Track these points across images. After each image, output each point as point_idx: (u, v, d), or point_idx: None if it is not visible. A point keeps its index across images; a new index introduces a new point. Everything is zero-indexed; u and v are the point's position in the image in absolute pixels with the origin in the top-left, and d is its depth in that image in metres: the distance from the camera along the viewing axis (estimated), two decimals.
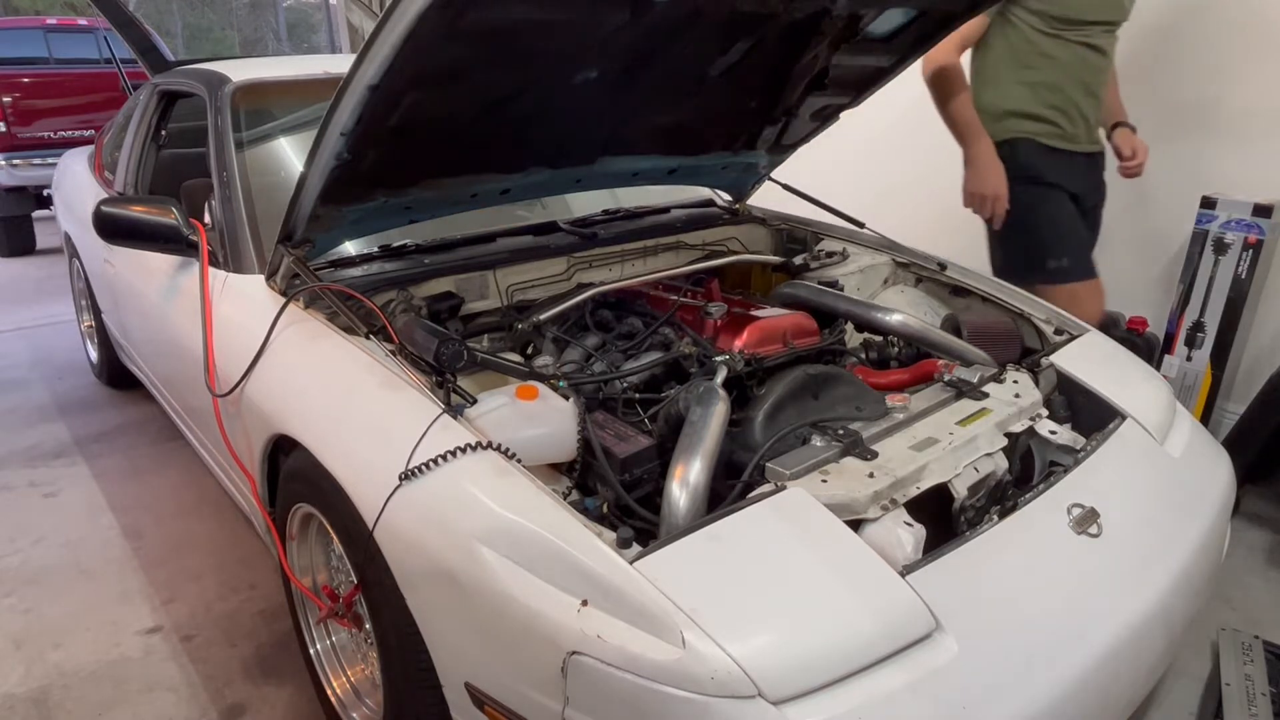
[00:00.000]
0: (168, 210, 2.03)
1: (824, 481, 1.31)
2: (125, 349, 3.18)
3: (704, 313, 1.90)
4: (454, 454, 1.27)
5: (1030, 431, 1.61)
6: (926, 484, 1.37)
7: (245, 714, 1.90)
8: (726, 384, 1.57)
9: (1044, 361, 1.78)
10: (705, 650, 1.01)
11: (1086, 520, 1.37)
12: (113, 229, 2.01)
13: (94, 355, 3.86)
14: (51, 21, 7.07)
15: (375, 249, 2.02)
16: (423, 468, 1.28)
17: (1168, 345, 2.81)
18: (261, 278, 1.91)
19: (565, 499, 1.28)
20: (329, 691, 1.78)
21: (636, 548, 1.14)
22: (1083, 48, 2.31)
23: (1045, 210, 2.40)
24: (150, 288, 2.42)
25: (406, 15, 1.25)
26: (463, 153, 1.77)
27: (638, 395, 1.66)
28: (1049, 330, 1.96)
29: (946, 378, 1.67)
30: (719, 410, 1.43)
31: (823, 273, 2.26)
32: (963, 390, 1.62)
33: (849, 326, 1.98)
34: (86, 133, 6.31)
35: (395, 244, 2.03)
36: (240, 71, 2.46)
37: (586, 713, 1.08)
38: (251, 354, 1.73)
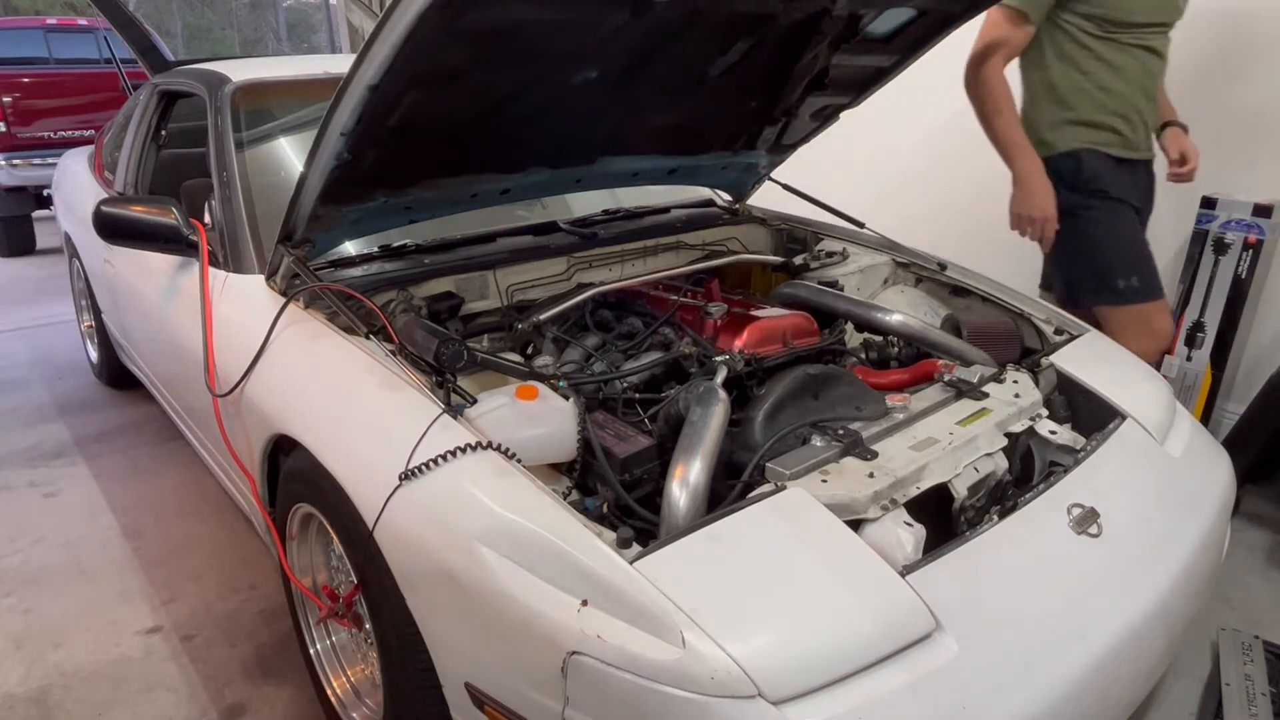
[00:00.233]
0: (168, 210, 2.03)
1: (824, 481, 1.31)
2: (125, 349, 3.18)
3: (704, 313, 1.90)
4: (454, 454, 1.27)
5: (1030, 431, 1.61)
6: (926, 484, 1.38)
7: (245, 714, 1.90)
8: (726, 384, 1.57)
9: (1044, 361, 1.78)
10: (705, 650, 1.01)
11: (1086, 520, 1.37)
12: (113, 229, 2.01)
13: (94, 355, 3.86)
14: (51, 21, 7.06)
15: (375, 249, 2.02)
16: (423, 468, 1.27)
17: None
18: (261, 278, 1.91)
19: (565, 499, 1.28)
20: (329, 691, 1.78)
21: (636, 548, 1.14)
22: (1140, 50, 2.19)
23: (1113, 226, 2.25)
24: (150, 288, 2.42)
25: (406, 15, 1.25)
26: (463, 153, 1.77)
27: (638, 395, 1.66)
28: (1049, 330, 1.96)
29: (946, 378, 1.67)
30: (719, 410, 1.43)
31: (823, 273, 2.26)
32: (963, 390, 1.62)
33: (849, 326, 1.98)
34: (86, 133, 6.31)
35: (395, 244, 2.03)
36: (240, 71, 2.47)
37: (586, 713, 1.08)
38: (251, 354, 1.73)
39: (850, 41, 1.95)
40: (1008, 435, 1.54)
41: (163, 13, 23.11)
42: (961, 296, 2.17)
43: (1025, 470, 1.62)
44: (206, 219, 2.14)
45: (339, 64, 2.67)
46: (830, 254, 2.34)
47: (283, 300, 1.76)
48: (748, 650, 1.02)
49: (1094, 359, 1.83)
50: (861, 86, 2.16)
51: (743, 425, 1.51)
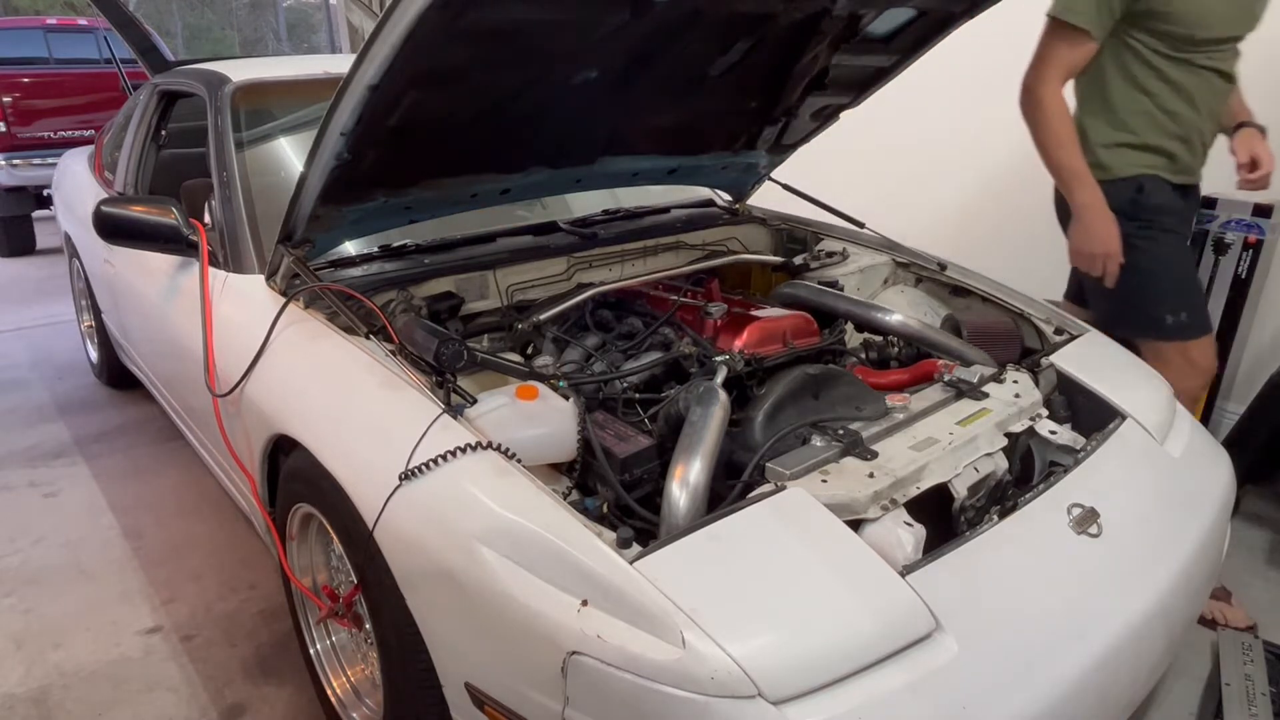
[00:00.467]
0: (168, 210, 2.03)
1: (824, 481, 1.31)
2: (125, 349, 3.18)
3: (704, 313, 1.90)
4: (454, 454, 1.27)
5: (1030, 431, 1.61)
6: (926, 484, 1.37)
7: (245, 714, 1.90)
8: (726, 384, 1.57)
9: (1044, 361, 1.78)
10: (705, 650, 1.01)
11: (1086, 520, 1.37)
12: (113, 229, 2.01)
13: (94, 355, 3.86)
14: (51, 21, 7.07)
15: (375, 249, 2.02)
16: (423, 468, 1.28)
17: None
18: (261, 278, 1.91)
19: (565, 499, 1.28)
20: (329, 691, 1.78)
21: (636, 548, 1.15)
22: (1209, 72, 2.01)
23: (1167, 258, 2.09)
24: (150, 288, 2.42)
25: (406, 15, 1.25)
26: (463, 153, 1.77)
27: (638, 395, 1.66)
28: (1049, 330, 1.96)
29: (946, 378, 1.66)
30: (719, 410, 1.43)
31: (823, 273, 2.26)
32: (963, 390, 1.62)
33: (849, 326, 1.98)
34: (86, 133, 6.31)
35: (395, 244, 2.03)
36: (240, 71, 2.47)
37: (586, 713, 1.08)
38: (251, 354, 1.73)
39: (850, 41, 1.95)
40: (1008, 435, 1.54)
41: (163, 13, 23.11)
42: (961, 296, 2.17)
43: (1025, 470, 1.62)
44: (206, 219, 2.14)
45: (339, 64, 2.67)
46: (830, 254, 2.34)
47: (283, 300, 1.76)
48: (748, 650, 1.02)
49: (1094, 359, 1.83)
50: (861, 86, 2.16)
51: (743, 425, 1.51)
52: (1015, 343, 1.93)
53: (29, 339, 4.62)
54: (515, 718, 1.19)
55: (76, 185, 3.66)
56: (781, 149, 2.40)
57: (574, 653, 1.07)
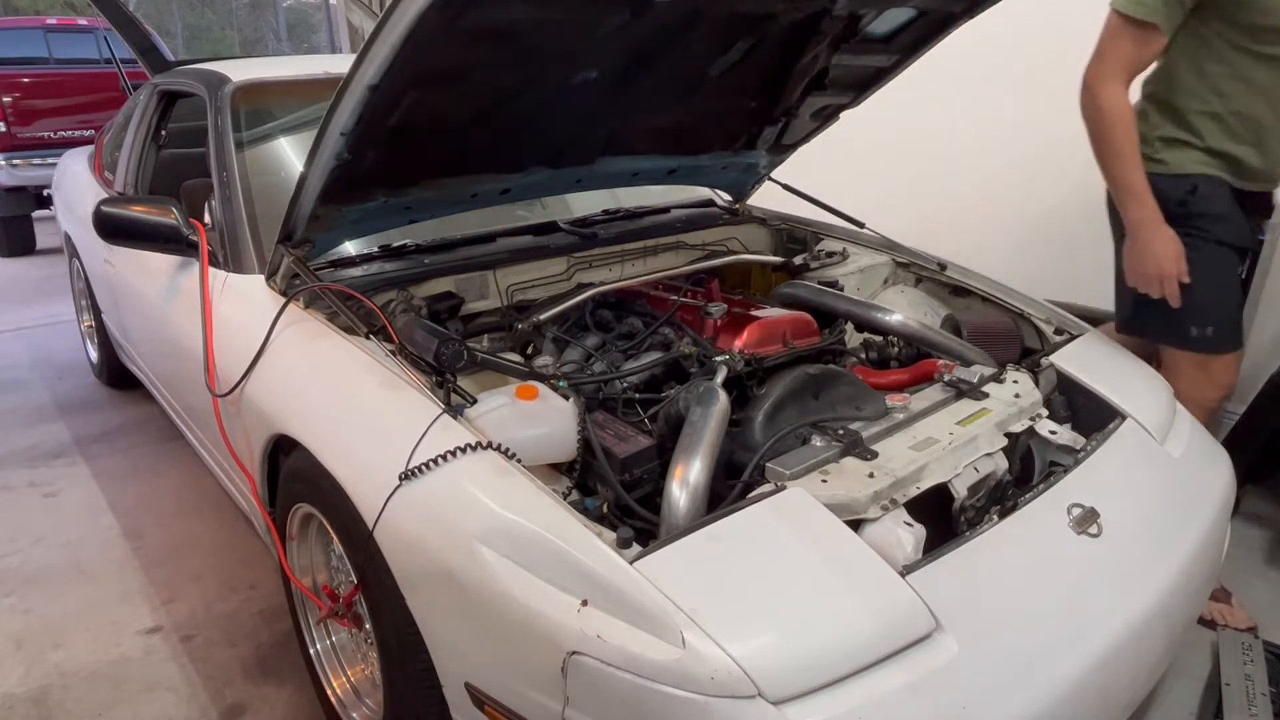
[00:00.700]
0: (168, 210, 2.03)
1: (824, 481, 1.31)
2: (125, 349, 3.18)
3: (704, 313, 1.90)
4: (454, 454, 1.27)
5: (1030, 431, 1.61)
6: (926, 484, 1.37)
7: (245, 714, 1.90)
8: (726, 384, 1.57)
9: (1044, 361, 1.78)
10: (705, 650, 1.01)
11: (1086, 520, 1.37)
12: (113, 229, 2.01)
13: (94, 355, 3.86)
14: (51, 21, 7.08)
15: (375, 249, 2.02)
16: (423, 468, 1.28)
17: None
18: (261, 278, 1.91)
19: (565, 499, 1.28)
20: (329, 691, 1.78)
21: (636, 548, 1.15)
22: None
23: (1207, 269, 1.92)
24: (150, 288, 2.42)
25: (406, 15, 1.25)
26: (463, 153, 1.77)
27: (638, 395, 1.66)
28: (1049, 330, 1.96)
29: (946, 378, 1.66)
30: (719, 410, 1.43)
31: (823, 273, 2.26)
32: (963, 390, 1.62)
33: (849, 326, 1.98)
34: (86, 133, 6.31)
35: (395, 244, 2.03)
36: (240, 71, 2.47)
37: (586, 713, 1.08)
38: (251, 354, 1.73)
39: (850, 41, 1.95)
40: (1008, 435, 1.54)
41: (163, 13, 23.12)
42: (961, 296, 2.17)
43: (1025, 470, 1.62)
44: (206, 219, 2.14)
45: (339, 64, 2.67)
46: (830, 254, 2.34)
47: (283, 300, 1.76)
48: (748, 650, 1.02)
49: (1094, 359, 1.83)
50: (861, 86, 2.16)
51: (743, 425, 1.51)
52: (1015, 343, 1.93)
53: (29, 339, 4.62)
54: (515, 718, 1.19)
55: (76, 185, 3.66)
56: (781, 149, 2.40)
57: (574, 653, 1.07)
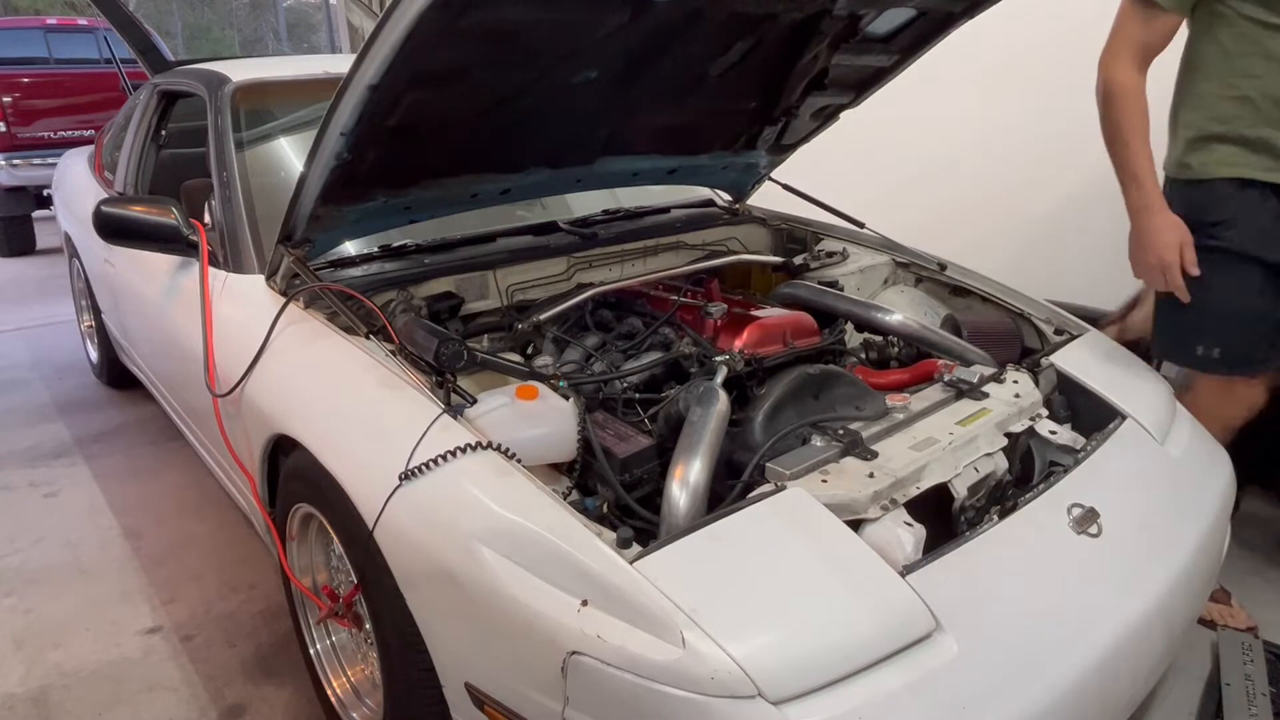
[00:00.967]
0: (168, 210, 2.03)
1: (824, 481, 1.31)
2: (125, 349, 3.18)
3: (704, 313, 1.90)
4: (454, 454, 1.27)
5: (1030, 431, 1.61)
6: (926, 484, 1.38)
7: (245, 714, 1.90)
8: (726, 384, 1.57)
9: (1044, 361, 1.78)
10: (705, 650, 1.01)
11: (1086, 520, 1.37)
12: (113, 229, 2.01)
13: (94, 355, 3.86)
14: (51, 21, 7.08)
15: (375, 249, 2.02)
16: (423, 468, 1.28)
17: None
18: (261, 278, 1.91)
19: (565, 499, 1.28)
20: (329, 691, 1.78)
21: (636, 548, 1.14)
22: None
23: (1219, 285, 1.80)
24: (150, 288, 2.42)
25: (406, 15, 1.25)
26: (463, 153, 1.77)
27: (638, 395, 1.66)
28: (1049, 330, 1.96)
29: (946, 378, 1.66)
30: (719, 410, 1.43)
31: (823, 273, 2.26)
32: (963, 390, 1.62)
33: (849, 326, 1.98)
34: (86, 133, 6.31)
35: (395, 244, 2.03)
36: (240, 71, 2.47)
37: (586, 713, 1.08)
38: (251, 354, 1.73)
39: (850, 41, 1.95)
40: (1008, 435, 1.54)
41: (163, 13, 23.11)
42: (961, 296, 2.17)
43: (1025, 470, 1.62)
44: (206, 219, 2.14)
45: (339, 64, 2.67)
46: (830, 254, 2.34)
47: (283, 300, 1.76)
48: (748, 650, 1.02)
49: (1094, 359, 1.83)
50: (861, 86, 2.16)
51: (743, 425, 1.51)
52: (1015, 343, 1.93)
53: (29, 339, 4.62)
54: (515, 718, 1.19)
55: (76, 185, 3.67)
56: (781, 149, 2.40)
57: (574, 653, 1.07)
